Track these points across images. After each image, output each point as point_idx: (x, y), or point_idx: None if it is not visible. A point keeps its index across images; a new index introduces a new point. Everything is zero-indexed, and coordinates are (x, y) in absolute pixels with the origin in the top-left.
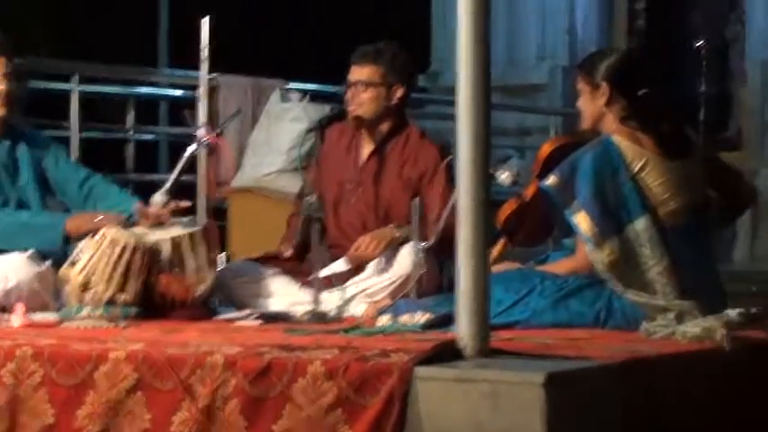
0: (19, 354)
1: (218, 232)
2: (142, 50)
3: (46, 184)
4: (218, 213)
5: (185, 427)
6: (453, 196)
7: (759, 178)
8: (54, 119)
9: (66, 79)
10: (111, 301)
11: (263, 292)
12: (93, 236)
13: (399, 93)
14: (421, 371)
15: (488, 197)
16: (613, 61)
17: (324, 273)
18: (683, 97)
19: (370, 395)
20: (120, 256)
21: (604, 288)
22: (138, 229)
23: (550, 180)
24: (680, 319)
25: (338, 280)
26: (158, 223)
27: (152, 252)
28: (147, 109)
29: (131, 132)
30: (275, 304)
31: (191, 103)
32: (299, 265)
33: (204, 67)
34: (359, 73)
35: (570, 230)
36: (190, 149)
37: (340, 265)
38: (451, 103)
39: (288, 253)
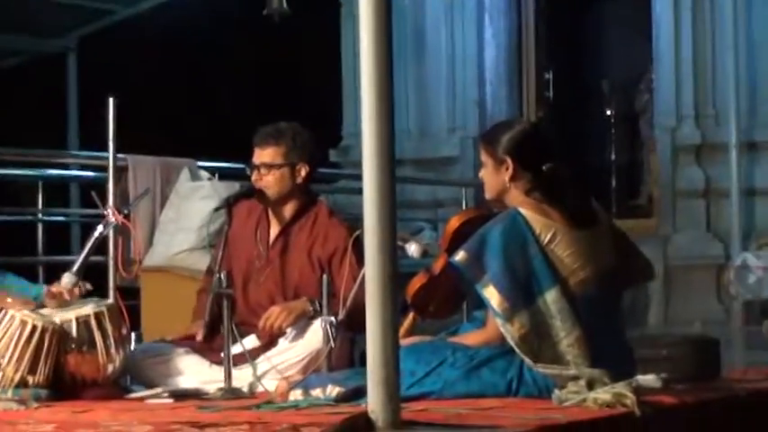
0: None
1: (124, 311)
2: (52, 133)
3: None
4: (131, 293)
5: None
6: (362, 270)
7: (670, 244)
8: None
9: None
10: (21, 383)
11: (173, 371)
12: (1, 319)
13: (303, 171)
14: None
15: (396, 270)
16: (516, 135)
17: (235, 349)
18: (593, 166)
19: None
20: (29, 338)
21: (515, 357)
22: (46, 311)
23: (459, 256)
24: (591, 386)
25: (249, 356)
26: (66, 304)
27: (61, 332)
28: (58, 191)
29: (40, 215)
30: (186, 382)
31: (101, 184)
32: (209, 343)
33: (111, 147)
34: (261, 155)
35: (481, 303)
36: (98, 230)
37: (251, 342)
38: (362, 178)
39: (200, 336)
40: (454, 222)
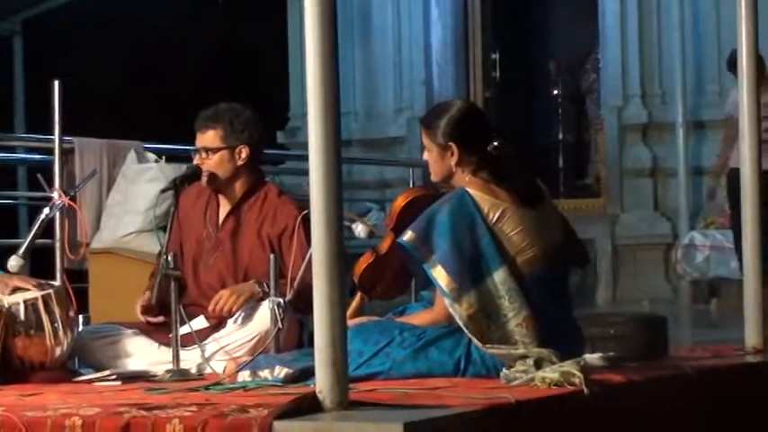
0: None
1: (72, 294)
2: None
3: None
4: (79, 275)
5: None
6: (310, 251)
7: (618, 224)
8: None
9: None
10: None
11: (122, 353)
12: None
13: (244, 153)
14: (280, 425)
15: (343, 250)
16: (456, 119)
17: (183, 331)
18: (540, 146)
19: None
20: None
21: (463, 336)
22: None
23: (407, 236)
24: (539, 365)
25: (198, 337)
26: (13, 289)
27: (8, 316)
28: (5, 174)
29: None
30: (135, 364)
31: (48, 167)
32: (158, 325)
33: (57, 130)
34: (201, 139)
35: (429, 283)
36: (44, 213)
37: (199, 323)
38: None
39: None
40: (400, 201)
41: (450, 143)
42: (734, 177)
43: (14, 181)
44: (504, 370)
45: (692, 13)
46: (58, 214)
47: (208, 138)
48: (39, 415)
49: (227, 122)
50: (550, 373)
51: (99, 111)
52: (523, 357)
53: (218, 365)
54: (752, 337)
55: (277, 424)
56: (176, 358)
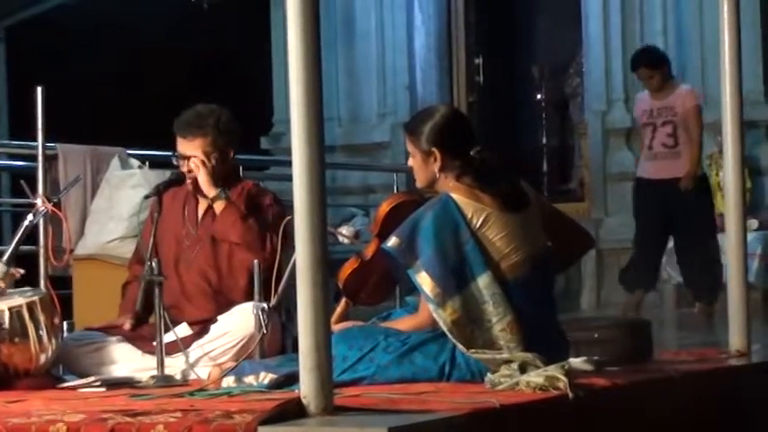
0: None
1: (57, 301)
2: None
3: None
4: (63, 282)
5: None
6: (294, 256)
7: (602, 228)
8: None
9: None
10: None
11: (106, 360)
12: None
13: (232, 154)
14: (265, 430)
15: (327, 256)
16: (439, 124)
17: (167, 338)
18: (524, 150)
19: None
20: None
21: (448, 341)
22: None
23: (392, 241)
24: (523, 369)
25: (182, 344)
26: None
27: None
28: None
29: None
30: (119, 371)
31: (31, 174)
32: (141, 332)
33: (41, 136)
34: (187, 146)
35: (413, 288)
36: (27, 219)
37: (183, 330)
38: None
39: (127, 326)
40: (385, 207)
41: (434, 149)
42: (638, 187)
43: None
44: (488, 374)
45: (674, 19)
46: (41, 221)
47: (197, 146)
48: (23, 422)
49: (213, 127)
50: (535, 377)
51: (82, 117)
52: (508, 362)
53: (202, 371)
54: (736, 341)
55: (262, 430)
56: (161, 364)
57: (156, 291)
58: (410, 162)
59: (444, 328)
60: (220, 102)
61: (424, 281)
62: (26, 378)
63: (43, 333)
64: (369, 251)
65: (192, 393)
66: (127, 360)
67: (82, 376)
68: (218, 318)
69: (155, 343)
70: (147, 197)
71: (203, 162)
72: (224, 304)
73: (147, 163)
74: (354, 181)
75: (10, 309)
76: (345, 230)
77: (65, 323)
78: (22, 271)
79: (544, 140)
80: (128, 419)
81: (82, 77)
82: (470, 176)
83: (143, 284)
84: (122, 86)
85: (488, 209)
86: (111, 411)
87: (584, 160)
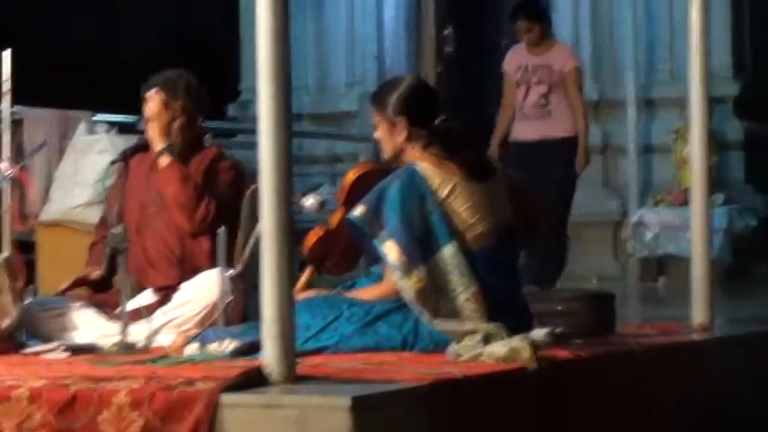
0: None
1: (22, 265)
2: None
3: None
4: (27, 246)
5: None
6: (258, 225)
7: None
8: None
9: None
10: None
11: (69, 325)
12: None
13: (200, 121)
14: (227, 398)
15: (292, 224)
16: (405, 93)
17: (131, 304)
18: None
19: (177, 424)
20: None
21: (411, 311)
22: None
23: (358, 210)
24: (487, 340)
25: (146, 311)
26: None
27: None
28: None
29: None
30: (83, 337)
31: None
32: (106, 297)
33: (6, 100)
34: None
35: (379, 258)
36: None
37: (147, 297)
38: None
39: (95, 274)
40: (351, 175)
41: (400, 118)
42: (513, 151)
43: None
44: (451, 345)
45: None
46: (6, 185)
47: (160, 105)
48: None
49: (183, 91)
50: (498, 348)
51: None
52: (471, 333)
53: (166, 339)
54: (699, 315)
55: (224, 397)
56: (124, 331)
57: (121, 257)
58: (376, 134)
59: (409, 297)
60: (188, 68)
61: (390, 250)
62: None
63: (7, 297)
64: (335, 219)
65: (154, 360)
66: (90, 326)
67: (45, 341)
68: (182, 285)
69: (118, 309)
70: (113, 163)
71: (158, 113)
72: (189, 270)
73: (113, 128)
74: (321, 150)
75: None
76: (311, 199)
77: (29, 287)
78: None
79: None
80: (90, 385)
81: (49, 42)
82: (436, 146)
83: (107, 250)
84: (90, 50)
85: (455, 178)
86: (74, 377)
87: None
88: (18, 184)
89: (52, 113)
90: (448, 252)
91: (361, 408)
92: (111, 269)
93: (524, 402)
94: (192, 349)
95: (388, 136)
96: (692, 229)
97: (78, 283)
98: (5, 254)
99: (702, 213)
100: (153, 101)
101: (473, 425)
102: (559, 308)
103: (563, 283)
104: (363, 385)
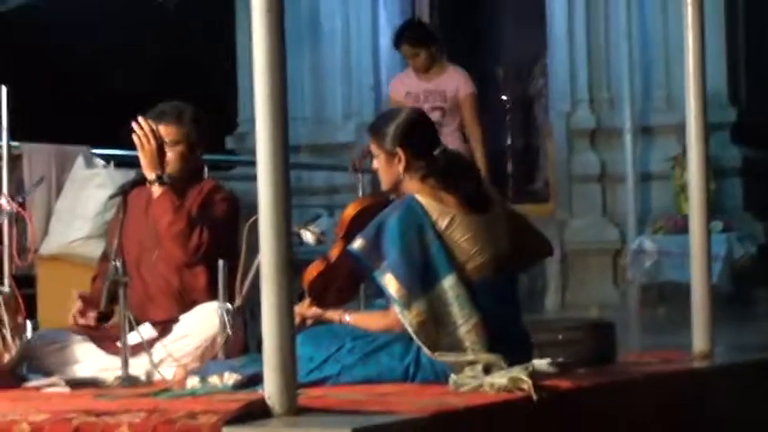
0: None
1: (21, 300)
2: None
3: None
4: (27, 281)
5: None
6: (258, 258)
7: (567, 229)
8: None
9: None
10: None
11: (71, 359)
12: None
13: (199, 152)
14: (229, 431)
15: (291, 257)
16: (403, 125)
17: (132, 338)
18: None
19: None
20: None
21: (413, 342)
22: None
23: (357, 243)
24: (487, 370)
25: (146, 345)
26: None
27: None
28: None
29: None
30: (84, 370)
31: None
32: (106, 331)
33: (5, 135)
34: (162, 131)
35: (381, 291)
36: None
37: (147, 331)
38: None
39: (91, 321)
40: (351, 210)
41: (398, 149)
42: None
43: None
44: (452, 376)
45: (639, 19)
46: (6, 220)
47: (168, 132)
48: None
49: (189, 120)
50: (499, 378)
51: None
52: (472, 363)
53: (167, 372)
54: (699, 343)
55: (226, 430)
56: (125, 365)
57: (121, 292)
58: (375, 164)
59: (410, 330)
60: (185, 99)
61: (390, 283)
62: None
63: (7, 332)
64: (334, 253)
65: (156, 394)
66: (91, 360)
67: (46, 375)
68: (181, 318)
69: (119, 343)
70: (112, 197)
71: (148, 141)
72: (188, 304)
73: (111, 162)
74: (319, 181)
75: None
76: (309, 233)
77: (29, 322)
78: None
79: (509, 141)
80: (92, 419)
81: (46, 77)
82: (434, 178)
83: (107, 284)
84: (87, 85)
85: (453, 211)
86: (76, 411)
87: (549, 161)
88: (18, 220)
89: (50, 148)
90: (448, 283)
91: None
92: (110, 303)
93: None
94: (193, 382)
95: (386, 167)
96: (692, 256)
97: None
98: (5, 289)
99: (701, 240)
100: (162, 132)
101: None
102: (560, 337)
103: (564, 312)
104: (364, 417)
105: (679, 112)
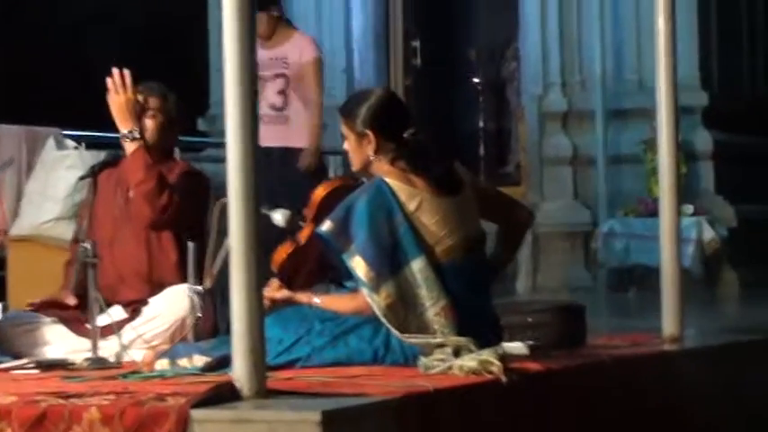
0: None
1: None
2: None
3: None
4: None
5: None
6: (227, 240)
7: (539, 212)
8: None
9: None
10: None
11: (40, 341)
12: None
13: (176, 129)
14: (198, 413)
15: (261, 239)
16: (374, 106)
17: (101, 320)
18: (461, 133)
19: None
20: None
21: (382, 325)
22: None
23: (326, 226)
24: (457, 353)
25: (116, 327)
26: None
27: None
28: None
29: None
30: (53, 352)
31: None
32: (77, 313)
33: None
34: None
35: (350, 274)
36: None
37: (118, 313)
38: None
39: (71, 300)
40: (320, 192)
41: (368, 131)
42: None
43: None
44: (422, 358)
45: (611, 3)
46: None
47: (155, 102)
48: None
49: (173, 99)
50: (468, 361)
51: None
52: (441, 346)
53: (136, 354)
54: (669, 326)
55: (194, 412)
56: (95, 346)
57: (90, 273)
58: (345, 145)
59: (378, 313)
60: (157, 80)
61: (358, 265)
62: None
63: None
64: (304, 235)
65: (125, 376)
66: (61, 341)
67: (16, 357)
68: (150, 300)
69: (88, 325)
70: (82, 178)
71: (117, 93)
72: (156, 284)
73: (82, 144)
74: None
75: None
76: (279, 213)
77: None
78: None
79: (481, 124)
80: (60, 402)
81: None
82: (404, 160)
83: (77, 266)
84: (57, 63)
85: (422, 193)
86: (44, 394)
87: (521, 144)
88: None
89: (20, 129)
90: (417, 266)
91: (331, 422)
92: (82, 285)
93: (495, 415)
94: (162, 364)
95: (356, 148)
96: (662, 239)
97: (50, 305)
98: None
99: (672, 224)
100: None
101: None
102: (530, 320)
103: (534, 295)
104: (334, 399)
105: (650, 96)
